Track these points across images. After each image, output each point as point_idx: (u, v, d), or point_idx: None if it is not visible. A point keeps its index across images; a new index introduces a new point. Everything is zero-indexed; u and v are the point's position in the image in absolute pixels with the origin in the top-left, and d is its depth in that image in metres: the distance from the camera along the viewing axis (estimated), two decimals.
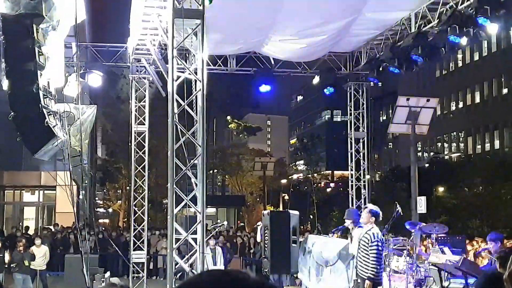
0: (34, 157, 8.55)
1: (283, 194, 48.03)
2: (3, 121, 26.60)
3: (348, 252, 9.23)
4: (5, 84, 12.12)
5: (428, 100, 16.79)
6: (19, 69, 8.01)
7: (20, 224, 28.63)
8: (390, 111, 55.11)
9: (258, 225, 14.78)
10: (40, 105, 7.86)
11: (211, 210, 35.18)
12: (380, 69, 15.30)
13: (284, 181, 49.63)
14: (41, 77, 8.09)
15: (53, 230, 24.62)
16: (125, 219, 39.01)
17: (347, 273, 9.21)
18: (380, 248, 8.75)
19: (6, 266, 16.96)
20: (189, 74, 9.21)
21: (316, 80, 18.06)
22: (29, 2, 8.05)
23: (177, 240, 8.94)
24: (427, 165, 39.66)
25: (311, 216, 42.46)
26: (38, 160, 29.04)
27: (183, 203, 9.06)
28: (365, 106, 18.25)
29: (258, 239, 15.31)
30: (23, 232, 23.95)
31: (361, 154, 18.20)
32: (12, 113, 7.99)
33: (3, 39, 8.15)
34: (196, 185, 8.99)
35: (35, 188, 29.88)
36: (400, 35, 14.65)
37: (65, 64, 11.66)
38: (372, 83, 17.11)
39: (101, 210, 45.92)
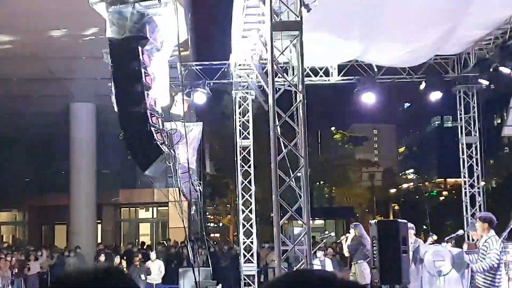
0: (144, 174, 8.87)
1: (393, 204, 46.91)
2: (117, 142, 27.75)
3: (463, 261, 8.84)
4: (116, 106, 12.69)
5: None
6: (127, 90, 8.36)
7: (136, 240, 29.83)
8: (505, 113, 52.47)
9: (342, 239, 14.25)
10: (148, 124, 8.16)
11: (319, 222, 35.00)
12: (491, 70, 14.60)
13: (393, 190, 48.49)
14: (148, 97, 8.40)
15: (167, 245, 25.40)
16: (235, 233, 39.63)
17: (463, 282, 8.81)
18: (497, 256, 8.30)
19: None
20: (289, 86, 9.22)
21: (423, 85, 17.50)
22: (134, 26, 8.40)
23: (284, 252, 8.93)
24: None
25: (424, 226, 41.15)
26: (151, 177, 30.10)
27: (288, 215, 9.05)
28: (476, 109, 17.49)
29: (346, 253, 14.77)
30: (140, 247, 24.92)
31: (474, 159, 17.43)
32: (122, 133, 8.34)
33: (111, 62, 8.56)
34: (301, 196, 8.95)
35: (149, 205, 31.06)
36: (510, 33, 13.91)
37: (171, 84, 12.07)
38: (483, 85, 16.36)
39: (212, 224, 46.93)
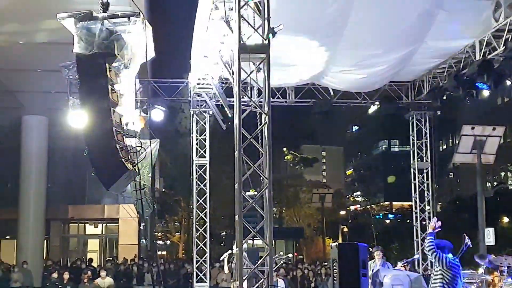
0: (108, 191, 8.78)
1: (342, 226, 47.41)
2: (66, 157, 27.19)
3: (421, 285, 9.04)
4: (73, 121, 12.51)
5: (494, 129, 16.41)
6: (93, 106, 8.29)
7: (84, 256, 29.20)
8: (451, 140, 53.92)
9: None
10: (113, 141, 8.10)
11: None
12: (444, 98, 15.09)
13: (342, 212, 48.99)
14: (114, 114, 8.35)
15: (115, 262, 24.97)
16: (184, 251, 39.25)
17: None
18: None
19: None
20: (255, 107, 9.31)
21: (372, 109, 17.97)
22: (102, 42, 8.37)
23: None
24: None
25: (370, 249, 41.72)
26: (101, 193, 29.64)
27: (250, 235, 9.08)
28: (428, 135, 18.01)
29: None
30: (87, 264, 24.41)
31: (425, 185, 17.90)
32: (87, 149, 8.25)
33: (78, 78, 8.48)
34: (263, 217, 9.00)
35: (98, 221, 30.52)
36: (464, 63, 14.41)
37: None
38: (437, 112, 16.87)
39: (160, 242, 46.37)
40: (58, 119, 18.17)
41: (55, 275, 18.19)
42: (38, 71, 18.93)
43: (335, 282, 9.60)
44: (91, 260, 26.47)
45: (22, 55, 17.68)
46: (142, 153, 11.00)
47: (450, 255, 8.82)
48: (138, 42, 8.69)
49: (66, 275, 18.38)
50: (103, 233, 31.12)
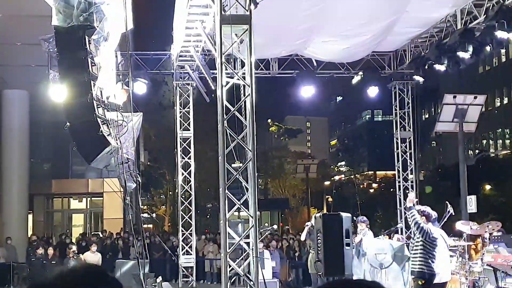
0: (90, 165, 8.71)
1: (327, 196, 47.71)
2: (49, 131, 26.92)
3: (403, 254, 9.15)
4: (55, 95, 12.37)
5: (475, 97, 16.43)
6: (73, 79, 8.17)
7: (68, 231, 29.15)
8: (433, 109, 54.21)
9: (307, 225, 14.70)
10: (94, 115, 8.01)
11: None
12: (426, 67, 15.09)
13: (327, 182, 49.27)
14: (94, 87, 8.25)
15: (101, 236, 24.98)
16: (169, 224, 39.36)
17: (403, 275, 9.11)
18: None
19: None
20: (238, 79, 9.25)
21: (355, 80, 17.95)
22: (81, 14, 8.22)
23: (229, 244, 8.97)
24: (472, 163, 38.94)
25: (355, 218, 41.99)
26: (84, 168, 29.37)
27: (235, 208, 9.10)
28: (410, 105, 18.06)
29: (302, 238, 15.25)
30: (79, 238, 24.44)
31: (408, 154, 18.01)
32: (67, 123, 8.16)
33: (56, 51, 8.34)
34: (247, 189, 9.01)
35: (83, 196, 30.40)
36: (445, 32, 14.43)
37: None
38: (420, 82, 16.86)
39: (145, 215, 46.43)
40: (39, 93, 17.95)
41: (39, 250, 18.15)
42: (18, 45, 18.63)
43: (319, 252, 9.68)
44: (84, 234, 26.48)
45: (1, 28, 17.37)
46: (124, 126, 10.91)
47: (430, 224, 8.94)
48: (118, 13, 8.54)
49: (50, 251, 18.34)
50: (88, 207, 31.00)
